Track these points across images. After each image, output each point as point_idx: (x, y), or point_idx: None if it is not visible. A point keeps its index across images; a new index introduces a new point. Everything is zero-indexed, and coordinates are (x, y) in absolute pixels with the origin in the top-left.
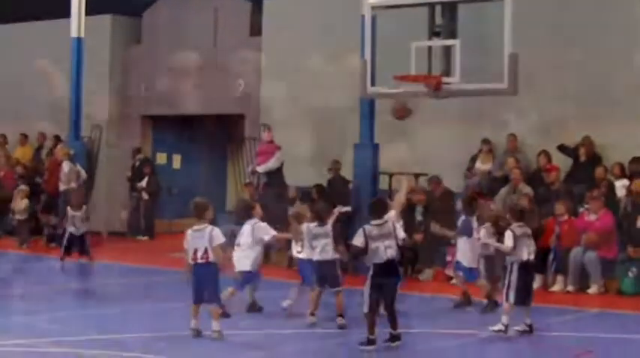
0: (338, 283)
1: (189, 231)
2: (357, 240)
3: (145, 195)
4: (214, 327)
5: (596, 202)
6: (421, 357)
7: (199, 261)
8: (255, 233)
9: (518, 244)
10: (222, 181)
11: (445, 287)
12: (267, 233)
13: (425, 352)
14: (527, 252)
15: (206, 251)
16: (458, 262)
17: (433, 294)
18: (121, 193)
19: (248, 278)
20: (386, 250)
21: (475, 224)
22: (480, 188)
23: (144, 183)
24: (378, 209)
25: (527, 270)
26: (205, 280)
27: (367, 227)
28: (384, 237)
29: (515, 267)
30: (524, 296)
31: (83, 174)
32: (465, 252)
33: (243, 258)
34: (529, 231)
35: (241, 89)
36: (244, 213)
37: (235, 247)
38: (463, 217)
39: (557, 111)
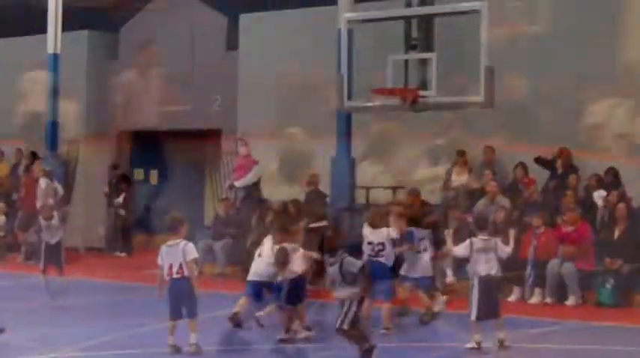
0: (305, 297)
1: (163, 247)
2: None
3: (122, 211)
4: (192, 340)
5: (572, 214)
6: None
7: (175, 276)
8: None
9: (476, 258)
10: (200, 196)
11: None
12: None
13: None
14: (487, 267)
15: (181, 266)
16: (404, 276)
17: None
18: (98, 209)
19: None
20: None
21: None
22: (456, 201)
23: (121, 199)
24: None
25: (488, 285)
26: (182, 295)
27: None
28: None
29: (475, 282)
30: (486, 311)
31: (60, 190)
32: (409, 263)
33: (266, 267)
34: (494, 245)
35: (218, 104)
36: None
37: (256, 257)
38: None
39: (532, 122)
